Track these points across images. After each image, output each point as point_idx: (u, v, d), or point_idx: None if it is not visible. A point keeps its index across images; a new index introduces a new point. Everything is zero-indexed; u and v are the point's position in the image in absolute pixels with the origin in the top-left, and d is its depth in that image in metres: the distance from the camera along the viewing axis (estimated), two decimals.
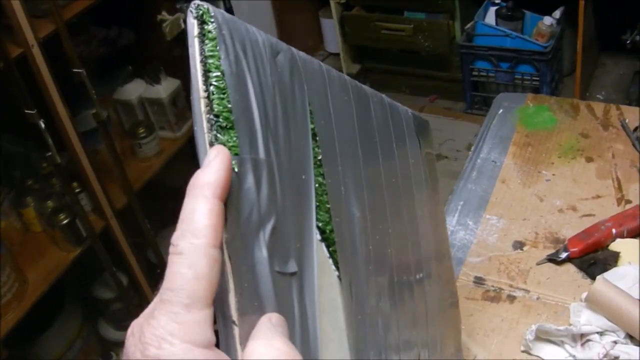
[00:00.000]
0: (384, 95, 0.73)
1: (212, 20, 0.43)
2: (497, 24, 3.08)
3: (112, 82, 2.31)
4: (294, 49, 0.52)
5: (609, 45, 3.24)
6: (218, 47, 0.43)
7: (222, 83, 0.42)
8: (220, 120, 0.42)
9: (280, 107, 0.48)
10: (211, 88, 0.42)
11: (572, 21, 2.91)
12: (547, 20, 2.94)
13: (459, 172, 1.45)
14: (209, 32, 0.43)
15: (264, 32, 0.49)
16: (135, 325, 0.39)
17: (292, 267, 0.46)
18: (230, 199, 0.41)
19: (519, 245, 1.24)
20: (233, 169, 0.41)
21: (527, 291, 1.15)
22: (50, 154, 1.77)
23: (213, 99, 0.42)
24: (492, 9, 3.10)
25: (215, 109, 0.42)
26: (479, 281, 1.19)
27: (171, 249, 0.39)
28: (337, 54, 3.59)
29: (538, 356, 1.04)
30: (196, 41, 0.42)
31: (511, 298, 1.15)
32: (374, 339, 0.60)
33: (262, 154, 0.45)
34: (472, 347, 1.07)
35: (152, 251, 2.36)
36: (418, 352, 0.74)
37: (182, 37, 2.24)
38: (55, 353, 2.10)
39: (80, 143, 1.87)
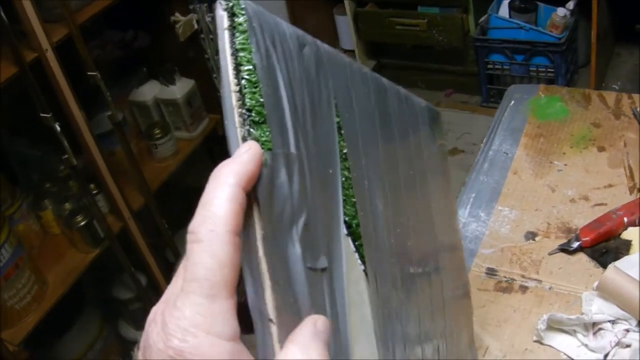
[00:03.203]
0: (400, 87, 0.72)
1: (243, 12, 0.42)
2: (510, 16, 3.07)
3: (127, 84, 2.33)
4: (317, 41, 0.52)
5: (623, 35, 3.21)
6: (249, 40, 0.42)
7: (254, 77, 0.41)
8: (253, 114, 0.41)
9: (307, 100, 0.47)
10: (243, 82, 0.41)
11: (586, 12, 2.89)
12: (561, 11, 2.93)
13: None
14: (240, 24, 0.42)
15: (289, 24, 0.48)
16: (157, 312, 0.38)
17: (323, 262, 0.45)
18: (264, 195, 0.40)
19: (531, 235, 1.24)
20: (265, 163, 0.40)
21: (540, 281, 1.15)
22: (66, 156, 1.78)
23: (245, 93, 0.41)
24: (505, 2, 3.09)
25: (248, 104, 0.41)
26: (491, 272, 1.19)
27: (190, 237, 0.37)
28: (352, 51, 3.58)
29: (550, 345, 1.04)
30: (226, 34, 0.41)
31: (523, 288, 1.15)
32: (399, 332, 0.59)
33: (292, 148, 0.44)
34: (485, 338, 1.08)
35: (170, 251, 2.38)
36: (437, 344, 0.75)
37: (195, 37, 2.25)
38: (75, 354, 2.12)
39: (97, 145, 1.89)
